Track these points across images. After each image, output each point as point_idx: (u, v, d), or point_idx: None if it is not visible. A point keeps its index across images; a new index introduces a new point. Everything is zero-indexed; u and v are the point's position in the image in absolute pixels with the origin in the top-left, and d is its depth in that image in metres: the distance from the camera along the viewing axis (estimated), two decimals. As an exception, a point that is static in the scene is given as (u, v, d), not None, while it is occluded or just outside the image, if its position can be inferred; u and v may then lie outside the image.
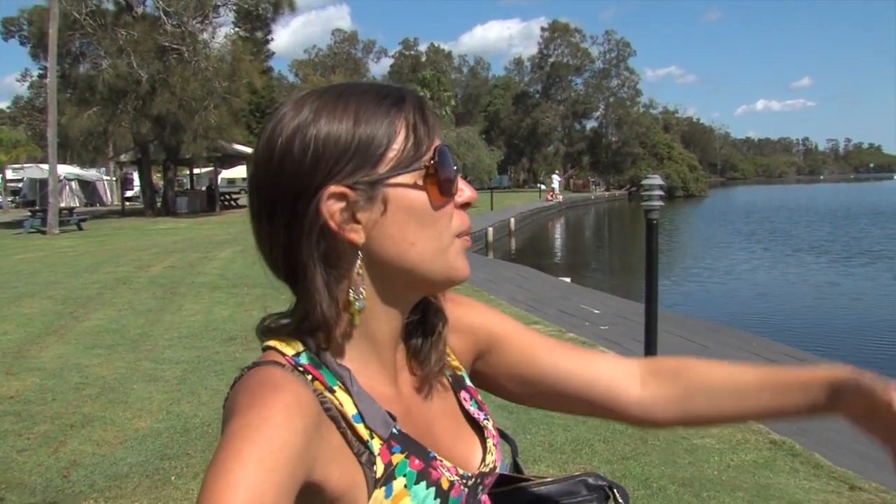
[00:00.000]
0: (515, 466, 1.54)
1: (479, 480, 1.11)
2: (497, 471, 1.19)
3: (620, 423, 4.91)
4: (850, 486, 4.44)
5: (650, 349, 6.73)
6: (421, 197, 0.97)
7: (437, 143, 0.99)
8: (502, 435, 1.64)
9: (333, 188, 0.93)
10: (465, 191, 1.02)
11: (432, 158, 0.97)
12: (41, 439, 5.44)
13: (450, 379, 1.17)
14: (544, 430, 5.41)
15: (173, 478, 4.65)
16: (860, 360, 8.89)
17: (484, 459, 1.14)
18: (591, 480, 1.40)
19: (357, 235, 0.96)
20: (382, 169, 0.95)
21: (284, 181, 0.94)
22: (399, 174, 0.95)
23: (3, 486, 4.59)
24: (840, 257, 22.88)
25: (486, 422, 1.19)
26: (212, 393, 6.43)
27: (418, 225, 0.98)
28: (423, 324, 1.13)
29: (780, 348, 8.49)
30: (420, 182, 0.97)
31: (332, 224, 0.94)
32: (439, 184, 0.97)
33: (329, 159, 0.94)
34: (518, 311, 10.61)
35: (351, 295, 0.97)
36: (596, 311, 10.73)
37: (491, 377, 1.28)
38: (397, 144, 0.95)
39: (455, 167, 1.00)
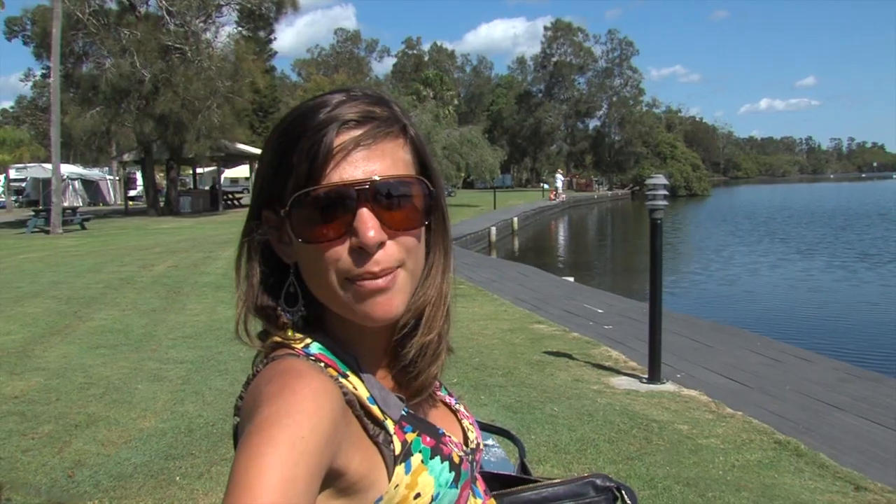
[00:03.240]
0: (523, 468, 1.55)
1: (474, 456, 1.16)
2: (482, 447, 1.23)
3: (625, 423, 4.87)
4: (855, 487, 4.43)
5: (654, 349, 6.72)
6: (294, 238, 0.99)
7: (320, 183, 0.95)
8: (510, 436, 1.66)
9: (264, 211, 1.02)
10: (366, 233, 0.94)
11: (291, 202, 0.96)
12: (46, 439, 5.44)
13: None
14: (549, 430, 5.41)
15: (178, 478, 4.64)
16: (862, 359, 8.87)
17: (468, 437, 1.18)
18: (598, 482, 1.42)
19: (285, 256, 1.02)
20: (285, 202, 0.97)
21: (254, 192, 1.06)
22: (279, 210, 0.99)
23: (8, 486, 4.59)
24: (843, 259, 22.83)
25: (457, 405, 1.24)
26: (216, 393, 6.43)
27: (307, 262, 0.99)
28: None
29: (783, 347, 8.46)
30: (290, 222, 0.98)
31: (271, 239, 1.02)
32: (295, 227, 0.97)
33: (263, 183, 1.02)
34: (522, 310, 10.62)
35: (279, 307, 1.03)
36: (599, 311, 10.72)
37: None
38: (291, 181, 0.96)
39: (341, 208, 0.95)
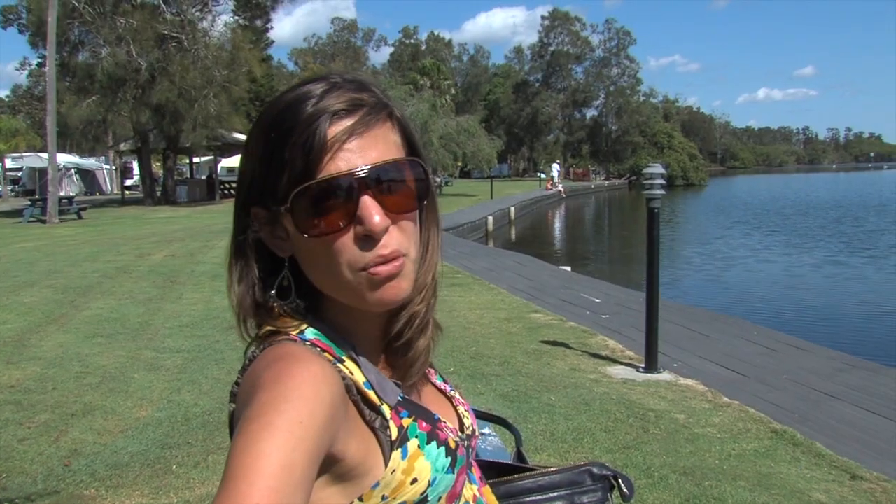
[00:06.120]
0: (519, 456, 1.55)
1: (469, 443, 1.15)
2: (477, 433, 1.22)
3: (621, 413, 4.86)
4: (851, 476, 4.44)
5: (651, 338, 6.72)
6: (297, 233, 0.98)
7: (317, 176, 0.93)
8: (506, 425, 1.65)
9: (254, 208, 1.01)
10: (371, 219, 0.93)
11: (292, 197, 0.94)
12: (42, 428, 5.44)
13: None
14: (546, 419, 5.41)
15: (174, 467, 4.64)
16: (858, 349, 8.88)
17: (463, 424, 1.18)
18: (595, 470, 1.41)
19: (279, 250, 1.02)
20: (279, 197, 0.96)
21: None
22: (274, 207, 0.97)
23: (4, 475, 4.59)
24: (838, 249, 22.85)
25: (452, 392, 1.23)
26: (213, 382, 6.43)
27: (311, 255, 0.99)
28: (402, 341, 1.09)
29: (780, 337, 8.47)
30: (292, 217, 0.96)
31: (262, 235, 1.01)
32: (298, 222, 0.96)
33: (252, 180, 1.01)
34: (519, 299, 10.62)
35: (270, 300, 1.02)
36: (597, 300, 10.72)
37: None
38: (285, 176, 0.95)
39: (343, 198, 0.94)
